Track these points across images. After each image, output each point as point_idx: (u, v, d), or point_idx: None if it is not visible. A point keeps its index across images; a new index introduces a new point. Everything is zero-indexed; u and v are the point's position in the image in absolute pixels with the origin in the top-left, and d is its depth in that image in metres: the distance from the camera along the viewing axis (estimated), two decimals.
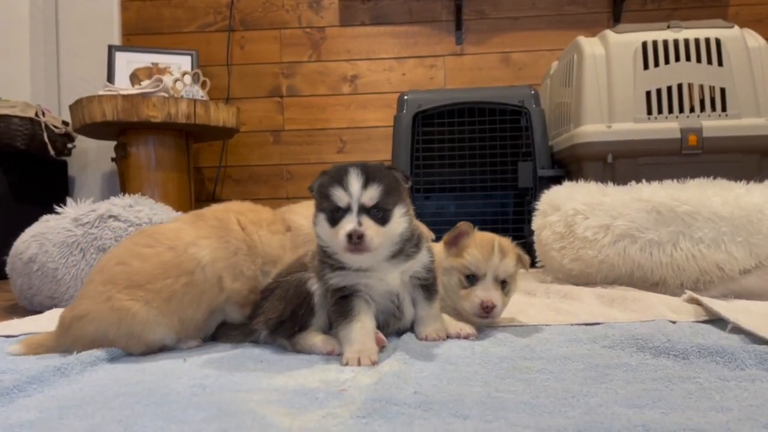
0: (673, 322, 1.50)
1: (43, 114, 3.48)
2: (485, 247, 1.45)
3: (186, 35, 4.19)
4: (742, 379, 1.04)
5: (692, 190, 2.07)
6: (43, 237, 2.11)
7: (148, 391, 1.04)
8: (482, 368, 1.16)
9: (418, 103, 3.18)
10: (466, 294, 1.45)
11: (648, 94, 2.84)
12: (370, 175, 1.23)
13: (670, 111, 2.82)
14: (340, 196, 1.22)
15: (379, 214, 1.23)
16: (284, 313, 1.35)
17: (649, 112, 2.83)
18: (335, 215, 1.24)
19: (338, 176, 1.24)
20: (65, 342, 1.32)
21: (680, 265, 1.95)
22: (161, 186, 3.38)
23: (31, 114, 3.40)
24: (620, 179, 2.50)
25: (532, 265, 2.46)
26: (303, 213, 1.87)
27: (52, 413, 0.94)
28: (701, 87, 2.84)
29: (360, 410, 0.90)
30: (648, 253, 1.99)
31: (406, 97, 3.24)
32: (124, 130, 3.35)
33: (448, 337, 1.41)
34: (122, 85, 3.68)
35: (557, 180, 2.78)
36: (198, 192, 4.07)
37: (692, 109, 2.83)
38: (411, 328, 1.43)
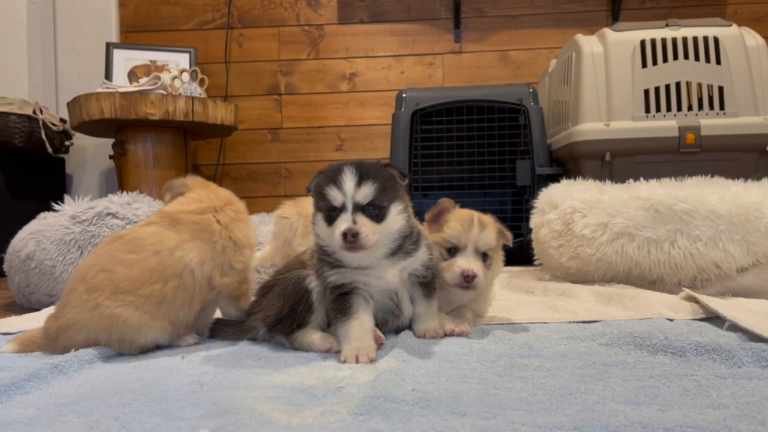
0: (671, 320, 1.50)
1: (41, 111, 3.48)
2: (465, 221, 1.47)
3: (184, 33, 4.18)
4: (739, 377, 1.04)
5: (690, 188, 2.08)
6: (41, 234, 2.11)
7: (146, 388, 1.04)
8: (480, 365, 1.16)
9: (417, 101, 3.18)
10: (447, 265, 1.45)
11: (646, 92, 2.84)
12: (364, 173, 1.23)
13: (668, 109, 2.82)
14: (335, 195, 1.23)
15: (375, 211, 1.23)
16: (283, 311, 1.35)
17: (648, 111, 2.83)
18: (332, 214, 1.24)
19: (333, 175, 1.24)
20: (54, 352, 1.31)
21: (678, 263, 1.95)
22: (159, 183, 3.37)
23: (28, 111, 3.39)
24: (618, 177, 2.51)
25: (530, 263, 2.48)
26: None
27: (50, 410, 0.94)
28: (699, 85, 2.84)
29: (358, 407, 0.90)
30: (646, 251, 2.00)
31: (404, 95, 3.24)
32: (122, 128, 3.35)
33: (446, 334, 1.41)
34: (120, 82, 3.68)
35: (555, 178, 2.79)
36: None
37: (690, 108, 2.83)
38: (409, 326, 1.44)
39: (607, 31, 2.96)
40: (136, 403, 0.96)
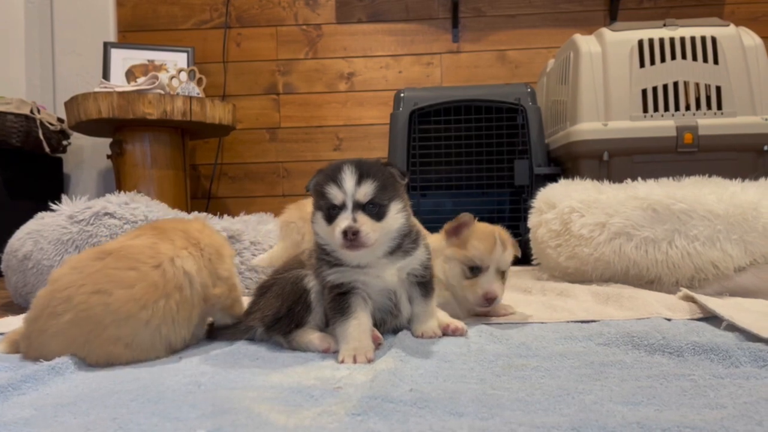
0: (668, 320, 1.50)
1: (39, 111, 3.47)
2: (488, 240, 1.52)
3: (182, 32, 4.17)
4: (736, 377, 1.05)
5: (688, 188, 2.08)
6: (39, 234, 2.10)
7: (143, 388, 1.04)
8: (478, 366, 1.16)
9: (415, 100, 3.18)
10: (469, 285, 1.52)
11: (644, 92, 2.84)
12: (364, 171, 1.23)
13: (666, 109, 2.82)
14: (335, 194, 1.23)
15: (375, 209, 1.23)
16: (281, 310, 1.35)
17: (645, 110, 2.83)
18: (331, 213, 1.24)
19: (333, 174, 1.24)
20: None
21: (675, 262, 1.95)
22: (157, 183, 3.37)
23: (26, 111, 3.39)
24: (616, 177, 2.51)
25: (528, 263, 2.48)
26: None
27: (46, 411, 0.93)
28: (697, 85, 2.85)
29: (356, 408, 0.90)
30: (643, 251, 2.00)
31: (402, 95, 3.23)
32: (119, 127, 3.34)
33: (443, 334, 1.41)
34: (118, 82, 3.68)
35: (553, 178, 2.79)
36: (194, 189, 4.06)
37: (688, 108, 2.84)
38: (408, 326, 1.44)
39: (605, 31, 2.96)
40: (133, 404, 0.96)
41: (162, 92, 3.29)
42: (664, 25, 2.90)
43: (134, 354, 1.21)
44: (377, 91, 4.14)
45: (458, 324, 1.43)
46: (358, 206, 1.22)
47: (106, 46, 3.84)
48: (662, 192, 2.03)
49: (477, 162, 3.15)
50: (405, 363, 1.17)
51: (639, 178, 2.24)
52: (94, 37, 4.04)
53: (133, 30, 4.18)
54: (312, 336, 1.33)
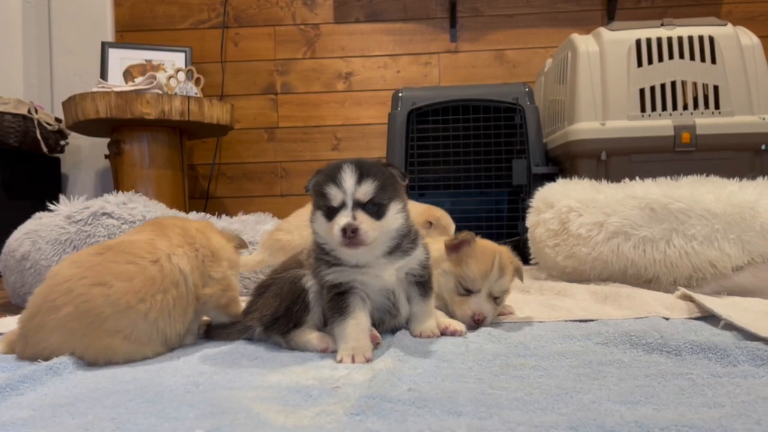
0: (666, 319, 1.50)
1: (36, 111, 3.46)
2: (485, 264, 1.49)
3: (180, 32, 4.17)
4: (734, 376, 1.05)
5: (685, 187, 2.08)
6: (36, 234, 2.10)
7: (141, 388, 1.03)
8: (476, 365, 1.16)
9: (413, 100, 3.18)
10: (460, 302, 1.51)
11: (642, 91, 2.84)
12: (364, 171, 1.24)
13: (664, 108, 2.83)
14: (335, 193, 1.23)
15: (374, 209, 1.24)
16: (279, 310, 1.35)
17: (643, 110, 2.84)
18: (331, 212, 1.24)
19: (333, 173, 1.24)
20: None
21: (673, 262, 1.96)
22: (155, 183, 3.37)
23: (23, 111, 3.38)
24: (614, 176, 2.51)
25: (526, 262, 2.48)
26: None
27: (44, 411, 0.93)
28: (695, 85, 2.85)
29: (354, 407, 0.90)
30: (641, 250, 2.00)
31: (400, 95, 3.23)
32: (117, 127, 3.34)
33: (442, 333, 1.41)
34: (116, 82, 3.67)
35: (551, 177, 2.79)
36: (192, 189, 4.06)
37: (686, 107, 2.84)
38: (406, 326, 1.44)
39: (603, 31, 2.96)
40: (131, 404, 0.96)
41: (160, 92, 3.29)
42: (662, 25, 2.90)
43: (132, 347, 1.22)
44: (375, 90, 4.13)
45: (457, 326, 1.43)
46: (358, 205, 1.22)
47: (104, 46, 3.83)
48: (660, 191, 2.03)
49: (475, 162, 3.15)
50: (403, 363, 1.17)
51: (637, 178, 2.24)
52: (91, 37, 4.04)
53: (131, 30, 4.17)
54: (310, 336, 1.33)
